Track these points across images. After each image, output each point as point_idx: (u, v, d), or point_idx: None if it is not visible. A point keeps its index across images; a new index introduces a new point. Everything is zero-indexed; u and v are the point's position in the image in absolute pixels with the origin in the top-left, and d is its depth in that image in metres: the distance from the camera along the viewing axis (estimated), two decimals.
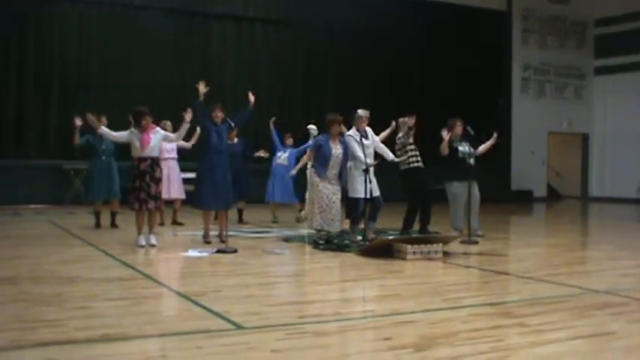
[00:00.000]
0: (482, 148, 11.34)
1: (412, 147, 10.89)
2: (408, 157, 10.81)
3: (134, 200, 9.26)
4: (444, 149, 10.85)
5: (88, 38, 18.02)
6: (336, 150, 9.71)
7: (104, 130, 9.75)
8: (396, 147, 10.86)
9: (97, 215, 11.74)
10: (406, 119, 10.88)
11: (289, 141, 13.46)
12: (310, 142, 13.21)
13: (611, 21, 24.62)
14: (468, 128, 10.88)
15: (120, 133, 9.63)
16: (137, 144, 9.28)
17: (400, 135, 10.89)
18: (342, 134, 9.97)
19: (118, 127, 11.30)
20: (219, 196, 9.49)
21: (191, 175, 13.27)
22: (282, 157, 13.23)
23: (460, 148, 10.96)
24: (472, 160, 10.92)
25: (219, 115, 9.65)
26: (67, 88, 17.70)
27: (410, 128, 10.79)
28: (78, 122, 11.34)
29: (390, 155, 10.31)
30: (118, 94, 17.43)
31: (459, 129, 11.05)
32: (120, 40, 18.23)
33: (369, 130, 10.10)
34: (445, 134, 10.87)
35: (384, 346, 4.52)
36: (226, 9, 19.68)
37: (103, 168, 11.59)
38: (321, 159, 9.70)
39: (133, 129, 9.42)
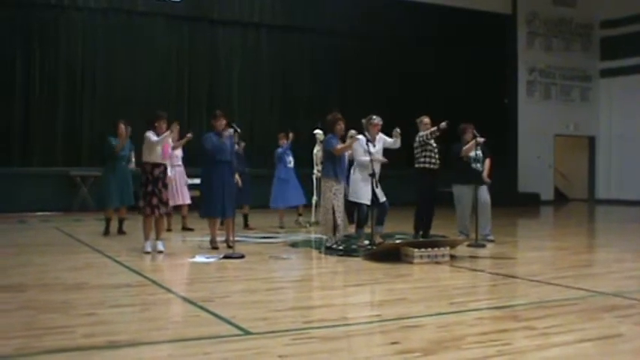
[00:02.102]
0: (485, 173, 11.14)
1: (432, 147, 10.75)
2: (425, 157, 10.69)
3: (146, 205, 9.26)
4: (468, 151, 10.81)
5: (93, 45, 18.07)
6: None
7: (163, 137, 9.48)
8: (415, 144, 10.75)
9: (108, 222, 11.70)
10: (423, 118, 10.78)
11: (283, 142, 13.39)
12: (316, 148, 13.21)
13: (616, 23, 24.58)
14: (474, 132, 10.86)
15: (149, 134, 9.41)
16: (159, 150, 9.27)
17: (421, 133, 10.73)
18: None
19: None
20: (222, 203, 9.49)
21: (197, 180, 13.35)
22: (290, 160, 13.19)
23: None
24: (478, 165, 10.88)
25: (222, 123, 9.64)
26: (73, 96, 17.77)
27: (438, 130, 10.50)
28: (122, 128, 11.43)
29: (393, 141, 10.16)
30: (124, 99, 17.54)
31: (469, 135, 11.00)
32: (125, 47, 18.29)
33: (380, 135, 10.09)
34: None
35: (392, 350, 4.51)
36: (232, 15, 19.71)
37: (122, 174, 11.60)
38: (340, 161, 9.71)
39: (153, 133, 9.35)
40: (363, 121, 10.11)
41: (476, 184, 10.75)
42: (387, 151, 10.23)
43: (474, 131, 10.87)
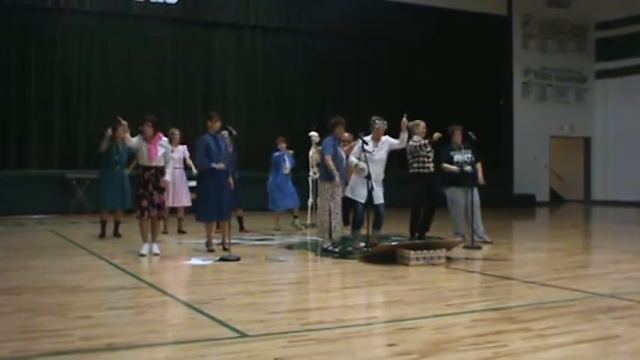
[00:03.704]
0: (479, 175, 11.15)
1: (427, 152, 10.65)
2: (418, 163, 10.67)
3: (137, 208, 9.31)
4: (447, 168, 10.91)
5: (89, 48, 18.01)
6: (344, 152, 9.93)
7: (128, 136, 9.56)
8: (407, 150, 10.72)
9: (104, 224, 11.68)
10: (420, 122, 10.77)
11: (282, 145, 13.39)
12: (312, 150, 13.22)
13: (611, 24, 24.62)
14: (470, 133, 10.83)
15: (133, 139, 9.52)
16: (145, 153, 9.30)
17: (413, 142, 10.70)
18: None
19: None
20: (218, 206, 9.49)
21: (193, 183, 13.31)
22: (286, 166, 13.19)
23: (456, 157, 10.96)
24: (469, 168, 10.89)
25: (217, 125, 9.63)
26: (68, 98, 17.71)
27: (431, 141, 10.53)
28: (109, 131, 11.38)
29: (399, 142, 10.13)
30: (119, 102, 17.45)
31: (458, 137, 11.03)
32: (121, 50, 18.25)
33: (385, 138, 10.09)
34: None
35: (389, 352, 4.52)
36: (227, 17, 19.69)
37: (117, 178, 11.59)
38: (341, 164, 9.75)
39: (140, 137, 9.39)
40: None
41: (469, 187, 10.76)
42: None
43: (471, 132, 10.85)
